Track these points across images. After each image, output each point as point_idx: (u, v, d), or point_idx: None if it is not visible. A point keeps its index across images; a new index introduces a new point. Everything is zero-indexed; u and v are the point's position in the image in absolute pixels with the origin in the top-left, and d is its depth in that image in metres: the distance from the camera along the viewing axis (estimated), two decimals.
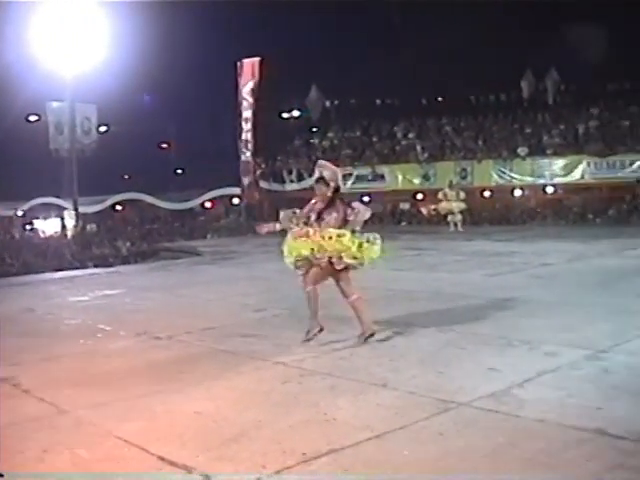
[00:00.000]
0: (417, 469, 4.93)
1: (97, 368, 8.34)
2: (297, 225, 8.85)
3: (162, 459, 5.30)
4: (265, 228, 9.48)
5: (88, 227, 30.18)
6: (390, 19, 41.93)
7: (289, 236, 8.84)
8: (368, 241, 8.83)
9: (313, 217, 8.79)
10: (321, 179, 8.85)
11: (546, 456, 5.06)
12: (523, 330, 9.07)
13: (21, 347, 9.67)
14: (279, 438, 5.60)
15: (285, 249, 8.83)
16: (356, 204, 8.98)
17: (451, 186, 29.66)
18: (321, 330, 8.81)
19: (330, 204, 8.77)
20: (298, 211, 8.96)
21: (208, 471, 5.03)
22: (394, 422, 5.84)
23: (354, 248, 8.65)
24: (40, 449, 5.67)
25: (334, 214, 8.73)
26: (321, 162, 9.22)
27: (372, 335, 8.83)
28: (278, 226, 9.16)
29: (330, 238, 8.54)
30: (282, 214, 9.11)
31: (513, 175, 34.47)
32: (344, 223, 8.73)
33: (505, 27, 39.31)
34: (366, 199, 37.49)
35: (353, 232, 8.74)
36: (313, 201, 8.93)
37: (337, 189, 8.85)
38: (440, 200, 29.08)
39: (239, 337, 9.31)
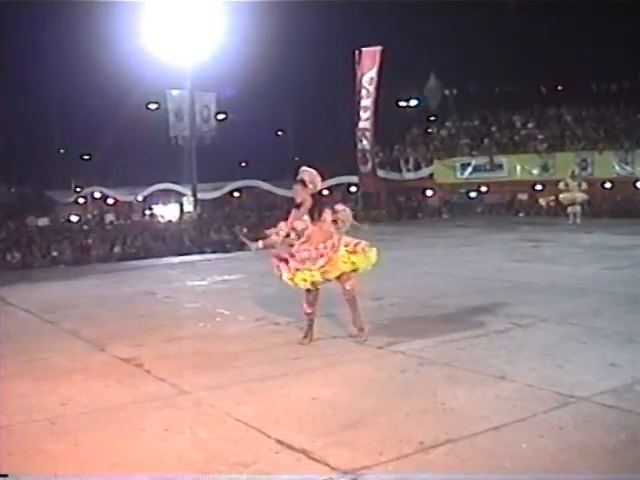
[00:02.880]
0: (535, 463, 4.89)
1: (216, 351, 8.51)
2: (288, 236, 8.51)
3: (280, 442, 5.38)
4: (252, 244, 8.80)
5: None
6: (510, 6, 41.28)
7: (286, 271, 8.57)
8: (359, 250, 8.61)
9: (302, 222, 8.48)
10: (300, 181, 8.58)
11: None
12: None
13: (143, 329, 9.96)
14: (396, 426, 5.62)
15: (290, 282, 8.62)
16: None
17: (573, 176, 28.99)
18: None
19: (313, 211, 8.55)
20: (282, 225, 8.55)
21: (327, 457, 5.09)
22: (512, 414, 5.80)
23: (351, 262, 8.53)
24: (161, 427, 5.83)
25: (320, 223, 8.51)
26: (303, 168, 8.79)
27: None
28: (261, 244, 8.63)
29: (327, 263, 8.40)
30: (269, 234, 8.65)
31: (636, 167, 33.57)
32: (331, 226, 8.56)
33: (628, 13, 38.37)
34: (484, 189, 37.23)
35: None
36: (293, 211, 8.61)
37: (316, 194, 8.70)
38: (561, 190, 28.42)
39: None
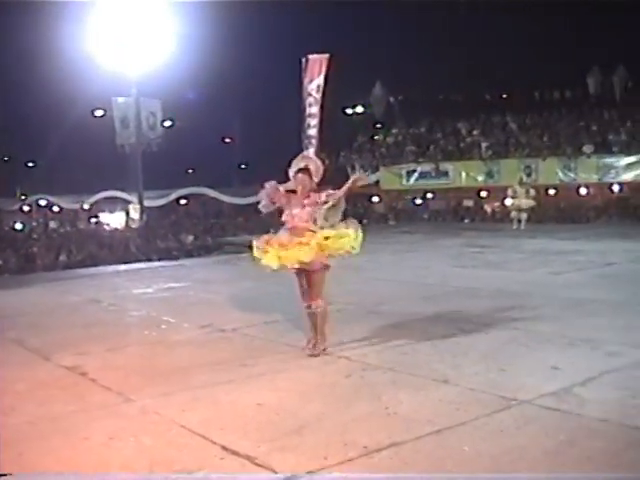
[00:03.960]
0: (477, 465, 4.96)
1: (162, 359, 8.49)
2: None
3: (225, 448, 5.40)
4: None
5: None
6: (455, 15, 41.72)
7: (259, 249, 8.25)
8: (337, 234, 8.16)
9: (287, 212, 8.18)
10: (306, 170, 8.22)
11: (607, 455, 5.05)
12: (586, 329, 9.01)
13: (88, 337, 9.90)
14: (341, 431, 5.66)
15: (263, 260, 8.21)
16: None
17: (522, 183, 29.43)
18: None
19: (305, 198, 8.18)
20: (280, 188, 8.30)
21: (271, 462, 5.12)
22: (455, 418, 5.87)
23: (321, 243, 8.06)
24: (106, 436, 5.81)
25: (306, 209, 8.14)
26: (306, 154, 8.60)
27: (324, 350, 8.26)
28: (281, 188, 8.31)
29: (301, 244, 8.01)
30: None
31: (578, 173, 34.04)
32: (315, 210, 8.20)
33: (571, 23, 38.96)
34: (430, 196, 37.51)
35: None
36: (288, 195, 8.27)
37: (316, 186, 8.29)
38: (511, 196, 28.74)
39: (302, 331, 9.25)
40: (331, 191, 8.27)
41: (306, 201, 8.15)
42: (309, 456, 5.18)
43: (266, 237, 8.33)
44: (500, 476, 4.82)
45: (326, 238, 8.07)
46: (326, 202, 8.20)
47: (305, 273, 8.19)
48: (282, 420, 5.99)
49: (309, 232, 8.09)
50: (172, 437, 5.75)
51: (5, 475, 4.85)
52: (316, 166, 8.33)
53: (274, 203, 8.29)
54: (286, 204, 8.22)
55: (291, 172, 8.35)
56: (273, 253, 8.09)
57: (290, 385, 7.06)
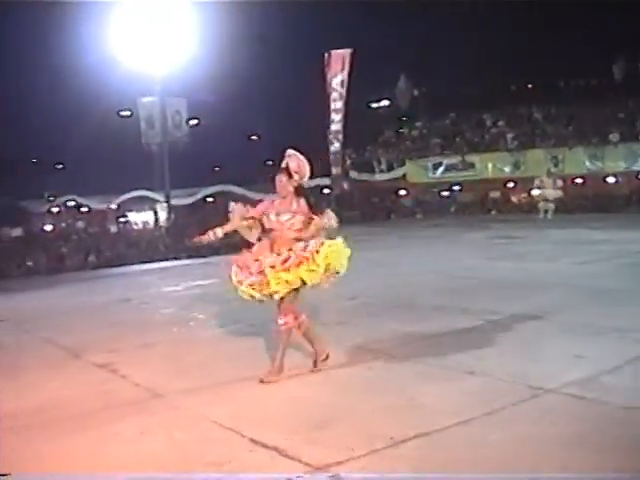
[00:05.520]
0: (504, 454, 5.01)
1: (191, 355, 8.60)
2: (248, 228, 7.59)
3: (254, 441, 5.48)
4: (205, 237, 7.69)
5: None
6: (477, 6, 41.53)
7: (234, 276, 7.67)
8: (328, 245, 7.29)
9: (272, 217, 7.32)
10: (284, 169, 7.35)
11: (632, 442, 5.09)
12: (612, 318, 9.00)
13: (118, 335, 10.03)
14: (367, 423, 5.74)
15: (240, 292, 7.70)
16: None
17: (549, 174, 29.34)
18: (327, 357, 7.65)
19: (291, 203, 7.33)
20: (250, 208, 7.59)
21: (300, 454, 5.20)
22: (481, 408, 5.92)
23: (322, 267, 7.18)
24: (137, 431, 5.93)
25: (297, 216, 7.27)
26: (290, 151, 7.51)
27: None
28: (220, 232, 7.61)
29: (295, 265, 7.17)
30: (233, 206, 7.68)
31: (605, 162, 33.83)
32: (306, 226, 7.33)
33: (596, 9, 38.70)
34: (456, 188, 37.42)
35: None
36: (270, 199, 7.51)
37: (300, 187, 7.42)
38: (538, 187, 28.66)
39: (332, 324, 9.35)
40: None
41: (295, 207, 7.34)
42: (336, 448, 5.25)
43: (245, 258, 7.61)
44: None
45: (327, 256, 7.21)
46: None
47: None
48: (308, 413, 6.09)
49: (299, 245, 7.25)
50: (202, 431, 5.85)
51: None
52: (297, 164, 7.39)
53: (253, 219, 7.54)
54: (270, 210, 7.40)
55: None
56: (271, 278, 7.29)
57: (317, 378, 7.17)
